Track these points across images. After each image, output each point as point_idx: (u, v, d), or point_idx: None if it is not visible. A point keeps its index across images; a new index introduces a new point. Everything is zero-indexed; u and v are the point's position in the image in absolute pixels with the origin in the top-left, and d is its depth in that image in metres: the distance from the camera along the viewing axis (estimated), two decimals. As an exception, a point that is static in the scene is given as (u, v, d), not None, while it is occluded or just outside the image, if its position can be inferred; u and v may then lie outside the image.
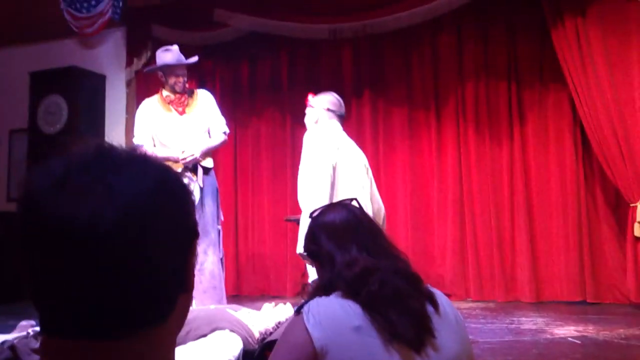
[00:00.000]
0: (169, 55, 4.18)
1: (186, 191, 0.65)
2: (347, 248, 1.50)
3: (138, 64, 6.00)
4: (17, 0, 6.40)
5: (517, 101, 5.25)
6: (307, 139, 3.59)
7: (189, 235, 0.65)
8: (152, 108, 4.23)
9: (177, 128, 4.15)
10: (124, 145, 0.64)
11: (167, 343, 0.64)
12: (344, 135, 3.73)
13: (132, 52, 6.06)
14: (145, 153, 0.65)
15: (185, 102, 4.18)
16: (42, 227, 0.57)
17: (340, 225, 1.55)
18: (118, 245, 0.56)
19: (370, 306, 1.33)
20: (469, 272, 5.23)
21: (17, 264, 0.60)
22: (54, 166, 0.60)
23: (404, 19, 5.19)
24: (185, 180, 4.12)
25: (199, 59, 5.86)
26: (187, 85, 4.22)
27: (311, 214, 1.68)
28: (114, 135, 6.16)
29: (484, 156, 5.29)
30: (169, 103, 4.17)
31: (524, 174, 5.17)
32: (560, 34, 4.84)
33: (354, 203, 1.68)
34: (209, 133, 4.22)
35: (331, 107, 3.75)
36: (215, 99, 5.81)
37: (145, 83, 5.79)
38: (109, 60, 6.30)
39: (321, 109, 3.74)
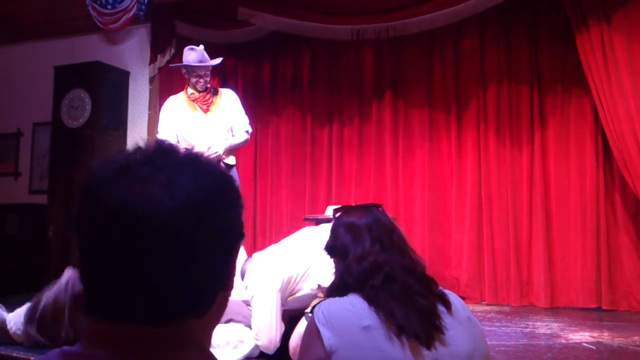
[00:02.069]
0: (192, 54, 4.25)
1: (238, 194, 0.68)
2: (361, 241, 1.53)
3: (162, 61, 6.07)
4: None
5: (539, 106, 5.23)
6: None
7: (236, 235, 0.68)
8: (177, 105, 4.31)
9: (201, 126, 4.23)
10: (142, 142, 0.67)
11: (203, 336, 0.67)
12: None
13: (156, 49, 6.13)
14: (203, 154, 0.68)
15: (210, 101, 4.26)
16: (102, 211, 0.60)
17: (360, 222, 1.58)
18: (172, 235, 0.59)
19: (374, 300, 1.36)
20: (485, 276, 5.23)
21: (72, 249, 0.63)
22: (116, 158, 0.63)
23: (427, 22, 5.20)
24: None
25: (221, 57, 5.97)
26: (209, 85, 4.31)
27: (334, 212, 1.72)
28: (136, 131, 6.24)
29: (504, 160, 5.28)
30: (193, 101, 4.25)
31: (543, 179, 5.16)
32: (585, 40, 4.81)
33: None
34: (232, 131, 4.29)
35: None
36: (237, 96, 5.91)
37: (168, 80, 5.86)
38: (133, 56, 6.38)
39: None
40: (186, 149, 0.67)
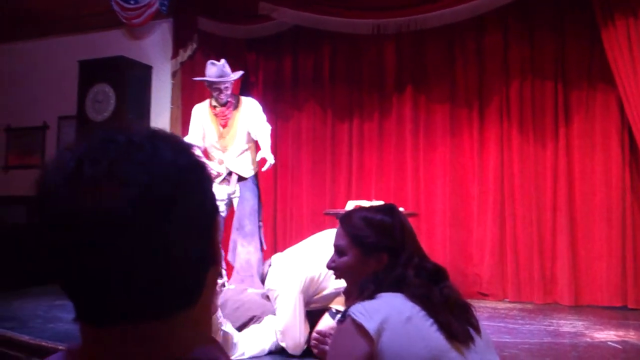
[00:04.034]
0: (213, 69, 4.36)
1: (201, 166, 0.64)
2: (395, 241, 1.53)
3: (184, 55, 6.10)
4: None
5: (564, 102, 5.16)
6: None
7: (210, 211, 0.64)
8: (201, 114, 4.48)
9: (217, 140, 4.39)
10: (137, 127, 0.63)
11: (201, 321, 0.65)
12: None
13: (178, 43, 6.16)
14: (155, 132, 0.63)
15: (229, 115, 4.36)
16: (61, 222, 0.57)
17: (389, 221, 1.57)
18: (138, 234, 0.56)
19: (434, 311, 1.36)
20: (508, 273, 5.18)
21: (43, 259, 0.60)
22: (65, 159, 0.59)
23: (449, 16, 5.15)
24: (220, 187, 4.21)
25: (243, 52, 6.01)
26: (229, 99, 4.38)
27: (369, 209, 1.70)
28: (159, 125, 6.25)
29: (528, 157, 5.22)
30: (215, 115, 4.37)
31: (567, 175, 5.09)
32: (611, 34, 4.73)
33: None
34: (248, 136, 4.35)
35: None
36: (257, 91, 5.94)
37: (190, 74, 5.88)
38: (156, 51, 6.43)
39: None
40: (138, 130, 0.62)
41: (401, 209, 1.79)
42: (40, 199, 0.60)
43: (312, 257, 2.97)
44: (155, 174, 0.58)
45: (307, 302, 3.00)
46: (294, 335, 2.92)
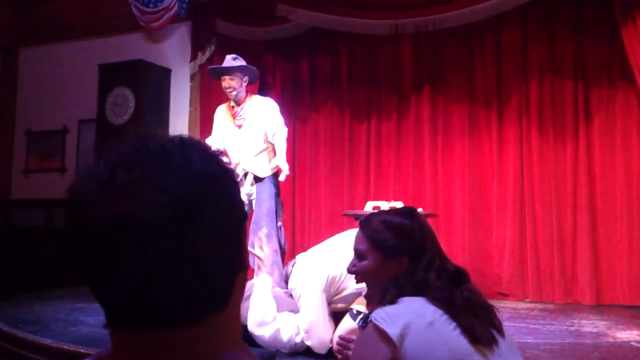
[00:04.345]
0: (223, 62, 4.33)
1: (229, 173, 0.65)
2: (416, 244, 1.52)
3: (202, 58, 6.15)
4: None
5: (584, 101, 5.13)
6: None
7: (238, 217, 0.65)
8: (221, 114, 4.45)
9: (234, 140, 4.32)
10: (169, 134, 0.64)
11: (233, 322, 0.66)
12: None
13: (197, 46, 6.22)
14: (184, 140, 0.64)
15: (245, 115, 4.30)
16: (94, 229, 0.59)
17: (409, 224, 1.57)
18: (170, 240, 0.58)
19: (456, 315, 1.36)
20: (528, 273, 5.16)
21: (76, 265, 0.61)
22: (98, 168, 0.61)
23: (467, 15, 5.13)
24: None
25: (261, 54, 6.02)
26: (241, 95, 4.29)
27: (390, 212, 1.70)
28: (178, 128, 6.35)
29: (547, 156, 5.19)
30: (232, 115, 4.34)
31: (588, 175, 5.05)
32: (631, 33, 4.69)
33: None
34: (265, 136, 4.30)
35: None
36: (275, 93, 5.95)
37: (209, 77, 5.91)
38: (174, 54, 6.48)
39: None
40: (168, 138, 0.63)
41: (420, 209, 1.79)
42: (73, 206, 0.61)
43: (334, 256, 2.98)
44: (186, 180, 0.59)
45: (329, 302, 3.01)
46: (319, 333, 2.93)
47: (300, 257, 3.20)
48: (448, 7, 5.19)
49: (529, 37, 5.32)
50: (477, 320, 1.36)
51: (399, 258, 1.53)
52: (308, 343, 2.97)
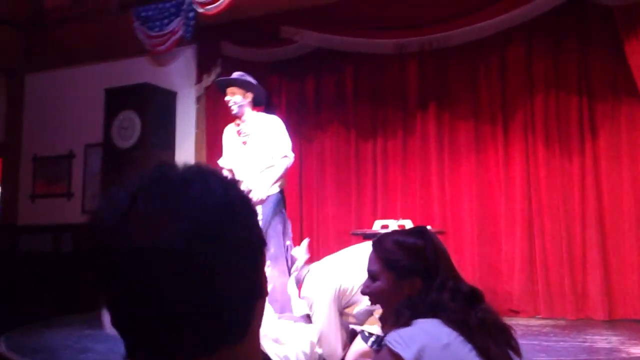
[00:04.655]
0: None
1: (247, 202, 0.65)
2: (428, 265, 1.51)
3: (208, 80, 6.19)
4: (93, 20, 6.73)
5: (589, 115, 5.15)
6: None
7: (257, 245, 0.65)
8: (228, 134, 4.39)
9: (239, 158, 4.26)
10: (190, 161, 0.66)
11: (253, 351, 0.65)
12: None
13: (202, 69, 6.26)
14: (203, 169, 0.64)
15: (248, 132, 4.24)
16: (114, 259, 0.59)
17: (427, 248, 1.55)
18: (190, 268, 0.58)
19: (471, 336, 1.34)
20: (538, 289, 5.13)
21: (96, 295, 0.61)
22: (118, 197, 0.61)
23: (472, 33, 5.18)
24: None
25: (265, 75, 6.05)
26: (240, 109, 4.23)
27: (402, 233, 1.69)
28: (184, 150, 6.37)
29: (554, 171, 5.20)
30: (237, 133, 4.28)
31: (596, 189, 5.05)
32: (634, 47, 4.73)
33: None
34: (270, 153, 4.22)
35: None
36: (281, 113, 5.95)
37: (215, 99, 5.96)
38: (180, 77, 6.51)
39: None
40: (188, 167, 0.64)
41: (428, 227, 1.80)
42: (94, 235, 0.61)
43: (347, 268, 2.98)
44: (207, 208, 0.60)
45: (340, 312, 2.99)
46: (330, 341, 2.91)
47: (313, 266, 3.19)
48: (452, 26, 5.23)
49: (533, 53, 5.36)
50: (492, 341, 1.34)
51: (412, 279, 1.51)
52: (319, 351, 2.95)
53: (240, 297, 0.62)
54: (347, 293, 2.98)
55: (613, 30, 4.93)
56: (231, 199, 0.62)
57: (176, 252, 0.57)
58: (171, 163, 0.64)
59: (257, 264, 0.65)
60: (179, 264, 0.57)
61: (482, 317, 1.38)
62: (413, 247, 1.55)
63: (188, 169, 0.63)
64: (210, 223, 0.59)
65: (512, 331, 1.41)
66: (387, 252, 1.58)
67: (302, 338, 3.00)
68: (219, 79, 4.33)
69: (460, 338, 1.32)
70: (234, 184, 0.65)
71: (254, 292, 0.64)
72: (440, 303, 1.41)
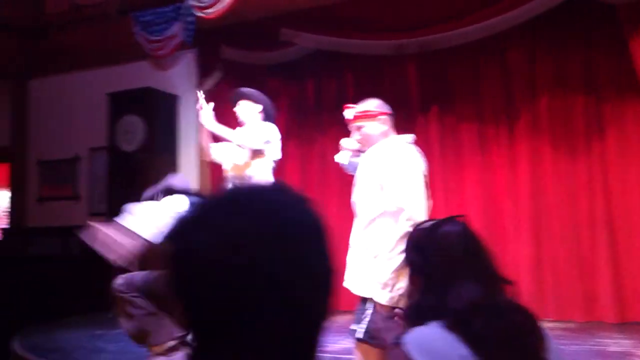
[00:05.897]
0: None
1: (320, 221, 0.66)
2: (459, 273, 1.41)
3: (209, 83, 6.15)
4: (96, 26, 6.72)
5: (596, 116, 5.04)
6: (388, 152, 2.77)
7: (330, 267, 0.66)
8: None
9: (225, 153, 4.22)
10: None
11: None
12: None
13: (203, 73, 6.24)
14: (279, 187, 0.68)
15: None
16: (197, 274, 0.62)
17: (455, 243, 1.46)
18: (266, 285, 0.60)
19: (476, 346, 1.27)
20: (547, 291, 5.05)
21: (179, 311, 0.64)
22: (211, 215, 0.65)
23: (473, 33, 5.09)
24: None
25: (265, 78, 5.99)
26: (245, 120, 4.19)
27: (418, 225, 1.61)
28: (187, 153, 6.38)
29: (561, 172, 5.11)
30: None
31: (604, 190, 4.96)
32: (639, 46, 4.61)
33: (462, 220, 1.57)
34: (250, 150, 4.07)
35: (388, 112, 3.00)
36: (282, 117, 5.90)
37: (217, 102, 5.90)
38: (182, 81, 6.51)
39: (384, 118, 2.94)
40: (262, 187, 0.69)
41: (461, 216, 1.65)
42: (195, 265, 0.62)
43: None
44: (259, 229, 0.62)
45: None
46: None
47: None
48: (452, 26, 5.14)
49: (537, 53, 5.25)
50: (508, 354, 1.27)
51: (413, 277, 1.48)
52: None
53: (315, 321, 0.65)
54: None
55: (617, 27, 4.81)
56: (305, 220, 0.65)
57: (228, 266, 0.60)
58: (247, 186, 0.69)
59: (330, 286, 0.67)
60: (251, 282, 0.60)
61: (485, 326, 1.29)
62: (415, 243, 1.51)
63: (258, 190, 0.68)
64: (293, 245, 0.62)
65: (541, 341, 1.31)
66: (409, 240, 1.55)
67: None
68: (240, 90, 4.27)
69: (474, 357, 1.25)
70: (308, 203, 0.67)
71: (325, 315, 0.66)
72: (442, 307, 1.35)
